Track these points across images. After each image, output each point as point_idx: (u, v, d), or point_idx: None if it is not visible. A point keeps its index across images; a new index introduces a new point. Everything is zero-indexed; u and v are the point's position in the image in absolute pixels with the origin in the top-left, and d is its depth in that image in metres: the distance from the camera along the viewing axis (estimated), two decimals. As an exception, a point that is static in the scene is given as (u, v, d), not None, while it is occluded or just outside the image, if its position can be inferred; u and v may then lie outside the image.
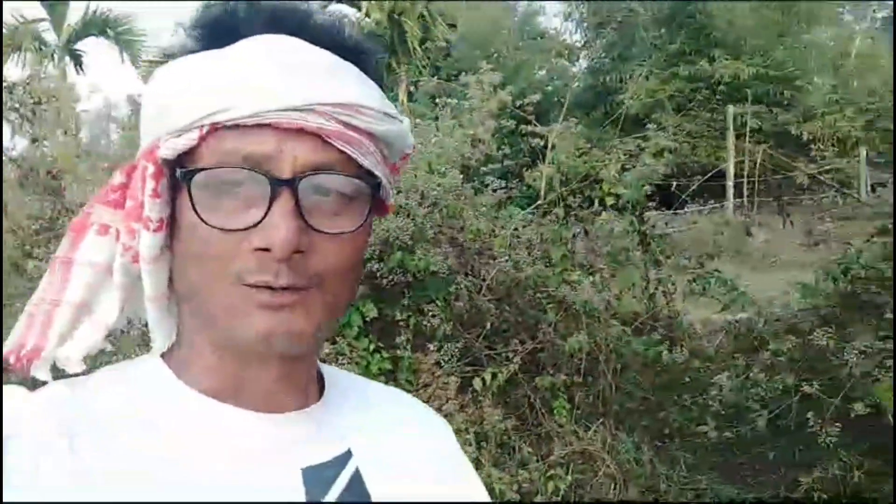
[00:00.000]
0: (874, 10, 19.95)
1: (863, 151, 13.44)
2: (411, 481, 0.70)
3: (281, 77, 0.61)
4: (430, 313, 3.47)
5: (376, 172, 0.65)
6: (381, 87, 0.68)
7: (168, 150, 0.62)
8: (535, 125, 4.60)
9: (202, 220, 0.59)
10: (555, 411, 3.58)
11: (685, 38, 10.42)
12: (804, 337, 3.31)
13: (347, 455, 0.67)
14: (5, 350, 0.65)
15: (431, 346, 3.40)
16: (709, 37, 11.13)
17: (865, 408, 2.82)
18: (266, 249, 0.59)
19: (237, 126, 0.60)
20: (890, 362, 2.77)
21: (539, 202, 4.46)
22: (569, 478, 3.30)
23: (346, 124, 0.62)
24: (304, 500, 0.62)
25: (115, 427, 0.60)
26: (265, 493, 0.61)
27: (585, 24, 18.38)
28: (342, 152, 0.62)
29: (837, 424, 2.81)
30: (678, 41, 9.85)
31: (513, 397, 3.67)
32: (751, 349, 3.73)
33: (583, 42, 18.96)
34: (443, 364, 3.38)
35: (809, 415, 2.94)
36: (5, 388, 0.59)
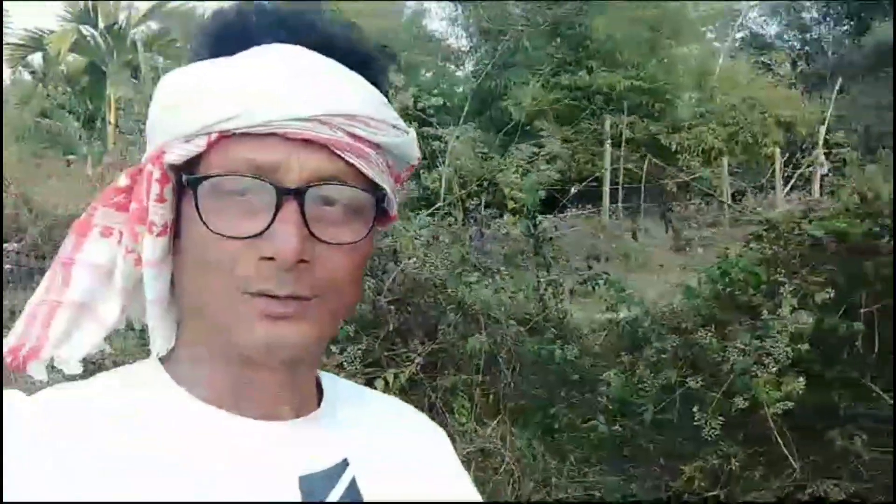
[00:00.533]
0: (734, 31, 21.65)
1: (725, 162, 14.51)
2: (407, 492, 0.70)
3: (291, 87, 0.61)
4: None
5: (382, 184, 0.66)
6: (387, 97, 0.68)
7: (175, 155, 0.62)
8: (437, 128, 4.66)
9: (207, 226, 0.60)
10: (455, 411, 3.64)
11: (566, 48, 10.84)
12: (686, 336, 3.54)
13: (344, 464, 0.67)
14: (4, 348, 0.65)
15: (335, 349, 3.37)
16: (588, 48, 11.63)
17: (744, 401, 3.05)
18: (271, 258, 0.59)
19: (246, 134, 0.60)
20: (767, 359, 3.01)
21: (438, 204, 4.52)
22: (470, 475, 3.36)
23: (354, 136, 0.62)
24: None
25: (115, 433, 0.60)
26: (262, 501, 0.61)
27: (471, 29, 18.74)
28: (349, 163, 0.62)
29: (721, 418, 3.03)
30: (560, 51, 10.24)
31: (414, 398, 3.70)
32: (636, 347, 3.95)
33: (468, 47, 19.31)
34: (346, 366, 3.35)
35: (695, 409, 3.14)
36: (5, 391, 0.60)
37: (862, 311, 3.26)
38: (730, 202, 12.19)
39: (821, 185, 13.83)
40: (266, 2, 0.71)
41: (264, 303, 0.60)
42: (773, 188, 14.78)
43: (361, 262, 0.67)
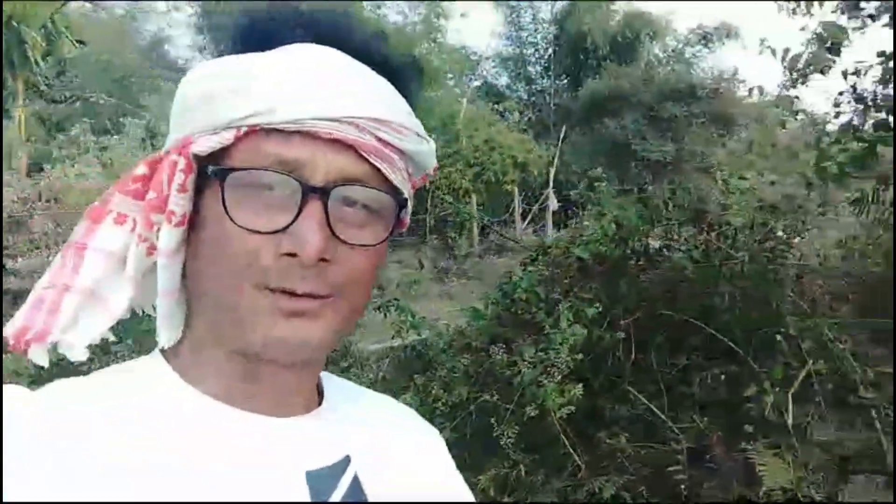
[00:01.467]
0: (471, 80, 23.61)
1: (473, 199, 15.70)
2: (406, 489, 0.72)
3: (323, 87, 0.61)
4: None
5: (403, 189, 0.67)
6: (411, 105, 0.70)
7: (203, 146, 0.62)
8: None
9: (231, 218, 0.59)
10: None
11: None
12: (477, 354, 3.79)
13: (347, 460, 0.68)
14: (6, 331, 0.64)
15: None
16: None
17: (534, 410, 3.34)
18: (292, 254, 0.59)
19: (274, 130, 0.60)
20: (552, 370, 3.33)
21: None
22: None
23: (381, 140, 0.63)
24: (310, 502, 0.63)
25: (119, 430, 0.59)
26: (270, 496, 0.61)
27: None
28: (373, 166, 0.63)
29: (516, 427, 3.28)
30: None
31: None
32: (428, 368, 4.12)
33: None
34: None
35: (493, 420, 3.37)
36: (6, 387, 0.58)
37: (622, 322, 3.75)
38: (478, 235, 13.16)
39: (553, 220, 15.52)
40: (299, 1, 0.71)
41: (284, 300, 0.60)
42: (514, 221, 16.28)
43: (377, 264, 0.67)
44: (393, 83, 0.68)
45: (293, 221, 0.59)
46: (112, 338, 0.69)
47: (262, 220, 0.60)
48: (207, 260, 0.63)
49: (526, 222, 16.23)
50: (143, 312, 0.73)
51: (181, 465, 0.59)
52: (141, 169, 0.66)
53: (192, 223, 0.64)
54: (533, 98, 25.21)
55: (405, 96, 0.69)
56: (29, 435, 0.56)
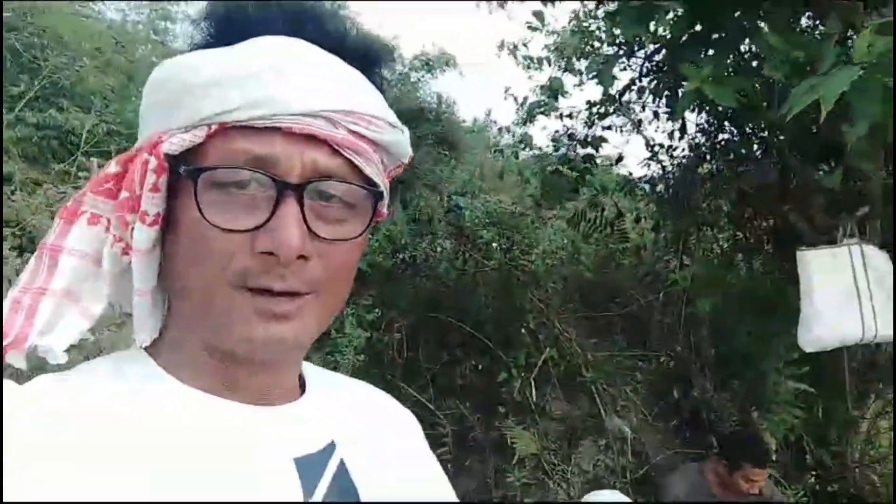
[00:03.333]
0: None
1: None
2: (388, 469, 0.72)
3: (294, 81, 0.60)
4: None
5: (378, 181, 0.65)
6: (382, 94, 0.68)
7: (173, 145, 0.59)
8: None
9: (206, 218, 0.57)
10: None
11: (28, 82, 9.98)
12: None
13: (332, 446, 0.68)
14: None
15: None
16: (57, 86, 10.89)
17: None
18: (269, 253, 0.58)
19: (246, 126, 0.58)
20: (339, 370, 3.67)
21: None
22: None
23: (355, 133, 0.62)
24: (300, 488, 0.62)
25: (106, 421, 0.57)
26: (262, 484, 0.60)
27: None
28: (348, 160, 0.62)
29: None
30: (21, 84, 9.44)
31: None
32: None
33: None
34: None
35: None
36: None
37: (395, 325, 4.22)
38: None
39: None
40: None
41: (262, 300, 0.59)
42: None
43: (356, 258, 0.66)
44: (364, 71, 0.66)
45: (269, 219, 0.58)
46: (91, 338, 0.67)
47: (237, 219, 0.58)
48: (183, 260, 0.61)
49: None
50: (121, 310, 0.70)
51: (169, 457, 0.57)
52: (113, 167, 0.64)
53: (168, 222, 0.62)
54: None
55: (375, 85, 0.67)
56: (18, 428, 0.54)
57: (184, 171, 0.59)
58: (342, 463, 0.67)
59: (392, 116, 0.66)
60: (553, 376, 4.18)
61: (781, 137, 3.31)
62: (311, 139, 0.60)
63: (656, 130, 5.03)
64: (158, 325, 0.67)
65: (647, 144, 5.07)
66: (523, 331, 4.20)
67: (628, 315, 4.86)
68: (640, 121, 5.05)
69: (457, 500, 0.81)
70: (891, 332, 3.20)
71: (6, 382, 0.57)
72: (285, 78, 0.59)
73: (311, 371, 0.76)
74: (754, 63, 3.33)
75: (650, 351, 4.51)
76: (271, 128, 0.59)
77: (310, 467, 0.64)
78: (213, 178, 0.58)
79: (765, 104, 3.12)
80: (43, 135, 12.25)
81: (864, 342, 3.22)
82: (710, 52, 3.35)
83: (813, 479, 4.26)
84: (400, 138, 0.68)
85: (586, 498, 2.68)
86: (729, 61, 3.05)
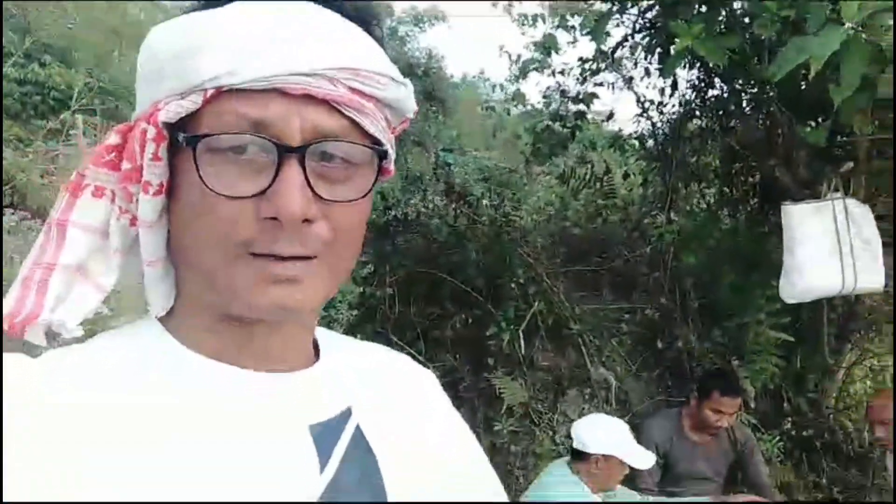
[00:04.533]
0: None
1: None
2: (408, 433, 0.71)
3: (290, 40, 0.58)
4: None
5: (382, 139, 0.63)
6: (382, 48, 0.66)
7: (170, 113, 0.58)
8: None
9: (207, 186, 0.57)
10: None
11: (17, 42, 9.84)
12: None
13: (348, 412, 0.67)
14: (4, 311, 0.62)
15: None
16: (41, 42, 10.75)
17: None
18: (273, 218, 0.57)
19: (243, 90, 0.57)
20: (333, 325, 3.75)
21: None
22: None
23: (354, 90, 0.60)
24: (316, 455, 0.62)
25: (120, 391, 0.58)
26: (278, 450, 0.60)
27: None
28: (350, 119, 0.60)
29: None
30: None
31: None
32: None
33: None
34: None
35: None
36: (6, 355, 0.57)
37: (387, 280, 4.29)
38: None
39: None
40: None
41: (269, 265, 0.58)
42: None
43: (363, 218, 0.65)
44: (362, 26, 0.64)
45: (271, 184, 0.56)
46: (106, 311, 0.71)
47: (238, 185, 0.57)
48: (187, 228, 0.60)
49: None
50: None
51: (184, 426, 0.57)
52: (113, 138, 0.63)
53: (171, 190, 0.61)
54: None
55: (375, 39, 0.65)
56: (32, 400, 0.54)
57: (182, 138, 0.58)
58: (358, 428, 0.67)
59: (394, 71, 0.64)
60: (541, 329, 4.27)
61: (771, 94, 3.36)
62: (310, 99, 0.58)
63: (647, 87, 5.07)
64: (172, 295, 0.67)
65: (638, 101, 5.10)
66: (513, 285, 4.28)
67: (615, 269, 4.96)
68: (630, 77, 5.07)
69: (483, 455, 0.81)
70: (869, 284, 3.32)
71: (19, 356, 0.58)
72: (280, 38, 0.58)
73: (325, 336, 0.76)
74: (746, 20, 3.36)
75: (636, 304, 4.61)
76: (268, 90, 0.57)
77: (325, 434, 0.64)
78: (211, 144, 0.57)
79: (755, 61, 3.16)
80: (25, 91, 12.10)
81: (843, 294, 3.33)
82: (703, 8, 3.37)
83: (789, 426, 4.42)
84: (403, 93, 0.66)
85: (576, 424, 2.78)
86: (720, 18, 3.08)
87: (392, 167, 0.69)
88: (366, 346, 0.82)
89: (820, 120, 3.49)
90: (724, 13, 3.16)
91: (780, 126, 3.57)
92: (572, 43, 5.03)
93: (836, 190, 3.37)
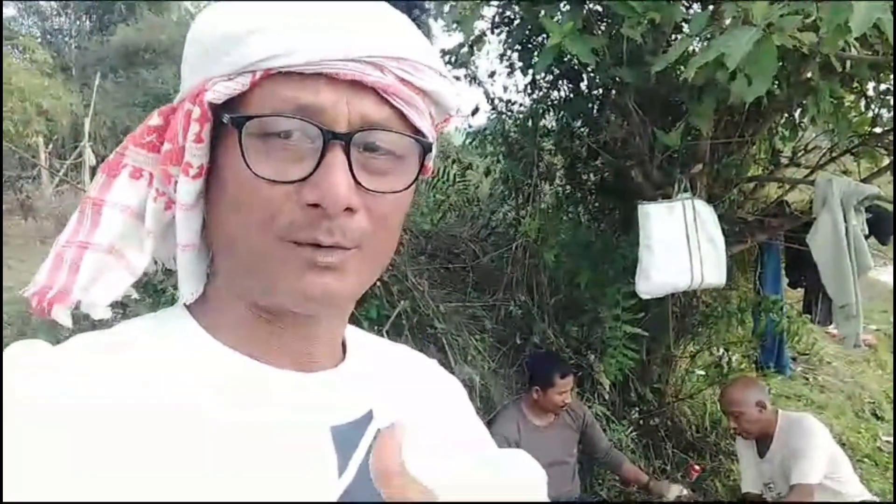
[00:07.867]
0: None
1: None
2: (429, 439, 0.70)
3: (341, 26, 0.57)
4: None
5: (426, 133, 0.62)
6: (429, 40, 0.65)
7: (217, 93, 0.57)
8: None
9: (251, 169, 0.56)
10: None
11: None
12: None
13: (369, 416, 0.66)
14: (28, 292, 0.61)
15: None
16: None
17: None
18: (315, 205, 0.56)
19: (291, 73, 0.56)
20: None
21: None
22: None
23: (403, 80, 0.59)
24: (335, 459, 0.61)
25: (146, 381, 0.57)
26: (298, 451, 0.60)
27: None
28: (396, 109, 0.59)
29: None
30: None
31: None
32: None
33: None
34: None
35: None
36: (29, 341, 0.57)
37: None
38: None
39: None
40: None
41: (309, 252, 0.57)
42: (40, 178, 14.41)
43: (403, 211, 0.64)
44: (410, 17, 0.63)
45: (315, 170, 0.56)
46: (135, 295, 0.66)
47: (282, 170, 0.56)
48: (228, 212, 0.59)
49: (56, 181, 14.50)
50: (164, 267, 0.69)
51: (205, 420, 0.56)
52: (155, 120, 0.62)
53: (211, 174, 0.60)
54: (49, 37, 22.24)
55: (421, 31, 0.64)
56: (58, 385, 0.53)
57: (228, 119, 0.57)
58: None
59: (440, 64, 0.63)
60: (405, 328, 4.17)
61: (628, 97, 3.46)
62: (359, 86, 0.57)
63: (492, 84, 5.08)
64: (203, 281, 0.66)
65: (488, 97, 5.14)
66: (378, 283, 4.14)
67: (478, 267, 4.96)
68: (475, 76, 5.09)
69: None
70: (714, 280, 3.53)
71: (41, 343, 0.57)
72: (331, 22, 0.57)
73: (353, 335, 0.75)
74: (608, 21, 3.44)
75: (498, 301, 4.64)
76: (317, 74, 0.56)
77: (346, 436, 0.63)
78: (257, 127, 0.56)
79: (619, 62, 3.23)
80: None
81: (691, 288, 3.52)
82: (566, 7, 3.40)
83: (637, 414, 4.65)
84: (449, 89, 0.64)
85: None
86: (581, 18, 3.11)
87: (431, 164, 0.67)
88: (392, 346, 0.82)
89: (672, 122, 3.65)
90: (585, 11, 3.20)
91: (636, 128, 3.69)
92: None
93: (686, 190, 3.55)
